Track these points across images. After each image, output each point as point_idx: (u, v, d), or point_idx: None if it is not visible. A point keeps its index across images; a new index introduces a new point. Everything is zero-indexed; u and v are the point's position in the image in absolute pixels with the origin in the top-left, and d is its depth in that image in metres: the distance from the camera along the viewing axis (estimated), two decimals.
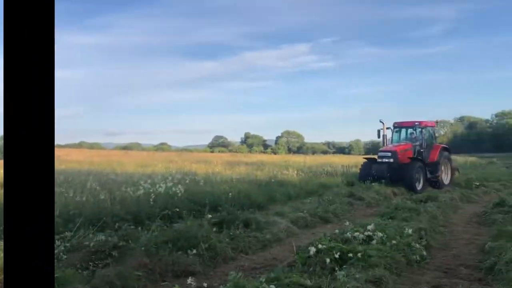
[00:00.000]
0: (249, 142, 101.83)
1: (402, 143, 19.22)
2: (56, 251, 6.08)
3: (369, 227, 7.39)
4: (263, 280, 4.76)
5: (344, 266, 5.71)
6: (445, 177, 19.44)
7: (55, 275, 5.11)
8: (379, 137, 19.63)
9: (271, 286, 4.50)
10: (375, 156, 19.45)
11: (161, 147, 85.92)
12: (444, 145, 20.77)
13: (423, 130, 19.24)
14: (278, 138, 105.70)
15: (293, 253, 6.53)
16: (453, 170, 20.24)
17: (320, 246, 6.14)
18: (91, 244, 6.32)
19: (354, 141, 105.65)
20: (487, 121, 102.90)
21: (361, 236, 7.10)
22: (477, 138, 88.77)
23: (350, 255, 5.99)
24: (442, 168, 19.15)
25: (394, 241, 6.82)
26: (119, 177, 12.58)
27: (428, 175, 18.25)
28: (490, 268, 6.19)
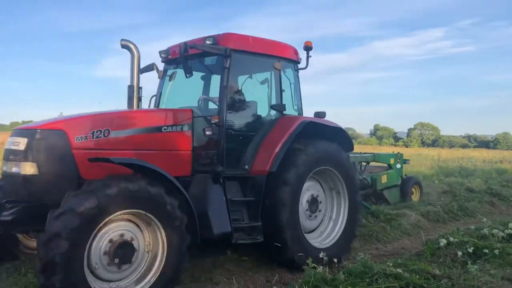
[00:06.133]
0: (379, 134, 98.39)
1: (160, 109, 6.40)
2: None
3: (511, 225, 6.94)
4: (390, 264, 4.90)
5: (478, 261, 5.52)
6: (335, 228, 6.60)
7: None
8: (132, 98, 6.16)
9: (398, 270, 4.64)
10: None
11: None
12: (314, 118, 6.65)
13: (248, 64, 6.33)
14: (410, 130, 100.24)
15: (422, 245, 6.51)
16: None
17: (451, 239, 6.03)
18: None
19: (501, 134, 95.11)
20: None
21: (501, 233, 6.68)
22: None
23: (486, 251, 5.76)
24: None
25: None
26: None
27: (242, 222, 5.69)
28: None
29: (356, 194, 6.72)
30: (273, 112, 6.43)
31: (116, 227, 4.36)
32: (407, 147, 71.82)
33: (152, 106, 6.66)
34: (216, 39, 5.78)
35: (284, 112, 6.38)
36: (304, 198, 6.17)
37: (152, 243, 4.60)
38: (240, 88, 6.20)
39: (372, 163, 11.38)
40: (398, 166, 11.32)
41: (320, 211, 6.44)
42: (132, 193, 4.29)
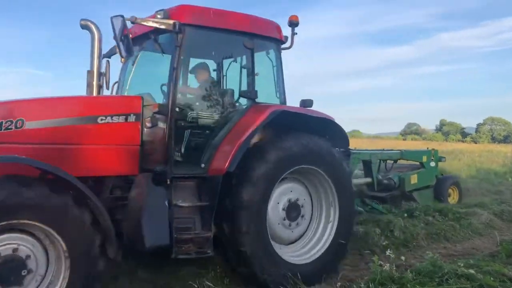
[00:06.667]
0: (445, 130, 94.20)
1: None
2: None
3: None
4: (462, 264, 4.71)
5: None
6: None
7: None
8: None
9: (470, 271, 4.45)
10: None
11: (353, 134, 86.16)
12: (291, 107, 5.67)
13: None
14: (479, 125, 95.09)
15: (496, 245, 6.19)
16: None
17: None
18: None
19: None
20: None
21: None
22: None
23: None
24: None
25: None
26: None
27: None
28: None
29: (350, 198, 5.64)
30: (245, 101, 5.53)
31: (7, 239, 3.60)
32: (476, 143, 68.31)
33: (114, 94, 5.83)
34: (167, 12, 4.92)
35: (256, 100, 5.40)
36: (281, 203, 5.21)
37: (55, 263, 3.80)
38: (202, 72, 5.71)
39: (402, 162, 10.16)
40: (432, 164, 10.00)
41: (302, 219, 5.42)
42: (21, 200, 3.52)
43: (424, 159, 10.01)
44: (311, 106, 5.75)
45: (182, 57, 4.94)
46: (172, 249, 4.47)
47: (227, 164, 4.72)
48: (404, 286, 4.30)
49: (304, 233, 5.52)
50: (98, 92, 5.22)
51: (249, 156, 4.85)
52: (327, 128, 5.65)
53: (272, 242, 5.00)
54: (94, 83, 5.13)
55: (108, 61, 5.51)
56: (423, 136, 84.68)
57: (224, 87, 5.93)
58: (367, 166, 8.96)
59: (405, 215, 8.06)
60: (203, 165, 4.95)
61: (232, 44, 5.48)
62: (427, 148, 10.79)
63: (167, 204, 4.54)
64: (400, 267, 5.15)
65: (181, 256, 4.55)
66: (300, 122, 5.34)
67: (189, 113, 5.20)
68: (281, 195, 5.20)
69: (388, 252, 5.11)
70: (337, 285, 4.94)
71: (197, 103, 5.37)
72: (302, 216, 5.39)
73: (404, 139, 75.03)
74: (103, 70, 5.23)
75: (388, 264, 4.65)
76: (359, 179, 9.00)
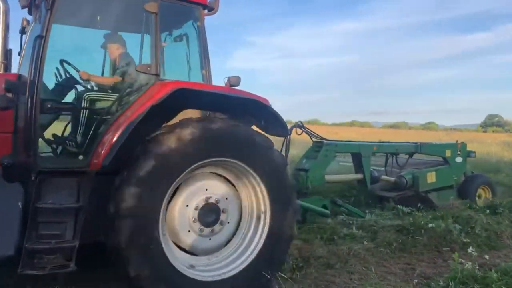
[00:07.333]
0: None
1: None
2: None
3: None
4: None
5: None
6: None
7: None
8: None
9: None
10: None
11: (428, 126, 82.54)
12: (198, 84, 4.56)
13: None
14: None
15: None
16: None
17: None
18: None
19: None
20: None
21: None
22: None
23: None
24: None
25: None
26: None
27: None
28: None
29: (287, 199, 4.52)
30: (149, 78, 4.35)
31: None
32: None
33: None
34: None
35: (161, 77, 4.35)
36: (192, 204, 4.20)
37: None
38: (112, 47, 4.82)
39: (421, 156, 8.94)
40: (459, 160, 8.77)
41: (223, 224, 4.40)
42: None
43: (448, 153, 8.79)
44: (237, 85, 4.83)
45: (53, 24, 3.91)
46: (19, 262, 3.52)
47: (102, 157, 3.85)
48: (488, 286, 4.06)
49: (229, 242, 4.54)
50: (5, 72, 4.60)
51: (138, 146, 3.93)
52: (260, 113, 4.60)
53: (181, 254, 4.24)
54: None
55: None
56: (506, 128, 79.10)
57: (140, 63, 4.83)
58: (357, 160, 7.97)
59: (487, 211, 7.57)
60: (81, 157, 4.11)
61: (134, 8, 4.51)
62: (457, 141, 9.36)
63: (20, 205, 3.65)
64: (483, 266, 4.89)
65: (29, 272, 3.54)
66: (225, 105, 4.41)
67: (83, 95, 4.38)
68: (194, 195, 4.24)
69: (469, 250, 4.82)
70: (414, 282, 4.76)
71: (92, 83, 4.56)
72: (223, 221, 4.40)
73: (485, 131, 70.52)
74: (11, 47, 4.66)
75: (469, 263, 4.41)
76: (337, 175, 8.16)
